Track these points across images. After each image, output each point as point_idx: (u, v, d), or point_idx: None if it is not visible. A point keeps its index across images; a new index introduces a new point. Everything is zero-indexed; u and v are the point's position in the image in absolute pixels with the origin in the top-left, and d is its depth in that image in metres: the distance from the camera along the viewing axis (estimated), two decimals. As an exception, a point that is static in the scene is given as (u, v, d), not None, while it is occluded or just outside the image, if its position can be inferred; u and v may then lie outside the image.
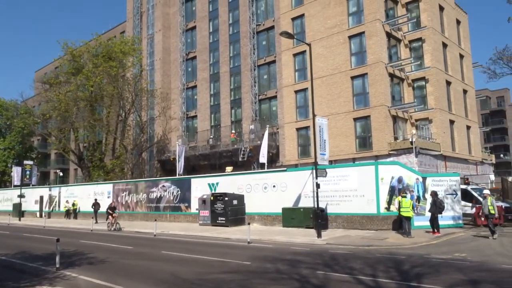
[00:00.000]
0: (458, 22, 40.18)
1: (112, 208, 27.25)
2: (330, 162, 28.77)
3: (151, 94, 45.37)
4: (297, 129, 35.84)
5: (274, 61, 38.69)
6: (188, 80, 46.52)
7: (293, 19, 37.23)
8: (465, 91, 39.24)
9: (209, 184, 28.86)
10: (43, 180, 65.28)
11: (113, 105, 44.20)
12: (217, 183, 28.41)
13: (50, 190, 44.31)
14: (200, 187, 29.28)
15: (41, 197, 44.46)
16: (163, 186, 32.14)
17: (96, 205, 33.48)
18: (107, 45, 44.65)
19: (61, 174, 58.83)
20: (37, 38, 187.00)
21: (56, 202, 42.71)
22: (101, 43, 44.78)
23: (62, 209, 40.96)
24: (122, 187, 35.96)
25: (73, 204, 39.12)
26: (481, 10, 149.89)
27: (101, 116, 46.49)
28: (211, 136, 42.51)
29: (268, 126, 32.96)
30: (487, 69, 20.26)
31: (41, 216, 42.61)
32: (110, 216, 26.67)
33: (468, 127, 38.65)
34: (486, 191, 18.94)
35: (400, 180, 20.99)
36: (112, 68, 41.83)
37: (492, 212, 17.09)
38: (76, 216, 38.74)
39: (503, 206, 22.34)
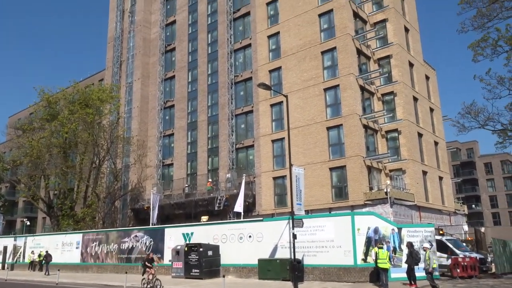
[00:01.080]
0: (427, 77, 42.10)
1: (149, 260, 21.05)
2: (307, 212, 28.66)
3: (127, 141, 44.99)
4: (274, 178, 35.86)
5: (251, 111, 39.28)
6: (165, 128, 46.53)
7: (271, 71, 38.29)
8: (436, 143, 40.45)
9: (183, 234, 28.13)
10: (9, 229, 62.45)
11: (88, 152, 43.50)
12: (191, 233, 27.73)
13: (15, 240, 42.27)
14: (174, 237, 28.49)
15: (5, 248, 42.28)
16: (136, 236, 31.14)
17: (48, 256, 32.96)
18: (84, 92, 44.58)
19: (28, 223, 56.49)
20: (12, 84, 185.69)
21: (20, 253, 40.66)
22: (78, 90, 44.70)
23: (27, 260, 38.94)
24: (92, 237, 34.64)
25: (39, 255, 37.32)
26: (448, 67, 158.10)
27: (74, 163, 45.54)
28: (187, 185, 42.02)
29: (245, 175, 32.90)
30: (457, 122, 21.07)
31: (3, 268, 40.32)
32: (148, 270, 20.64)
33: (441, 178, 39.48)
34: (426, 244, 18.99)
35: (376, 230, 20.96)
36: (89, 115, 41.54)
37: (434, 265, 17.66)
38: (41, 268, 36.86)
39: (477, 258, 22.46)
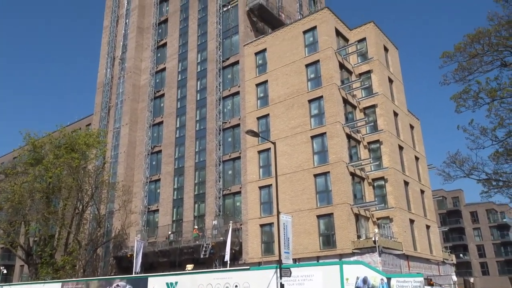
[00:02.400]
0: (411, 127, 43.02)
1: None
2: (294, 260, 28.11)
3: (112, 187, 44.34)
4: (261, 226, 35.37)
5: (239, 157, 39.33)
6: (152, 174, 46.15)
7: (259, 118, 38.77)
8: (422, 191, 40.70)
9: (167, 284, 27.15)
10: (-16, 277, 59.61)
11: (71, 197, 42.64)
12: (176, 282, 26.79)
13: (-11, 289, 40.33)
14: (157, 286, 27.46)
15: (-22, 298, 40.21)
16: (118, 285, 29.94)
17: None
18: (71, 137, 44.33)
19: (5, 271, 54.09)
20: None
21: (-5, 303, 38.69)
22: (65, 135, 44.46)
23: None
24: (72, 286, 33.21)
25: (14, 306, 35.53)
26: (432, 117, 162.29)
27: (56, 209, 44.45)
28: (172, 231, 41.15)
29: (231, 222, 32.41)
30: (442, 171, 21.39)
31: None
32: None
33: (428, 227, 39.40)
34: None
35: (365, 280, 20.53)
36: (74, 159, 41.09)
37: None
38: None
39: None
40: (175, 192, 43.42)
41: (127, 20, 55.34)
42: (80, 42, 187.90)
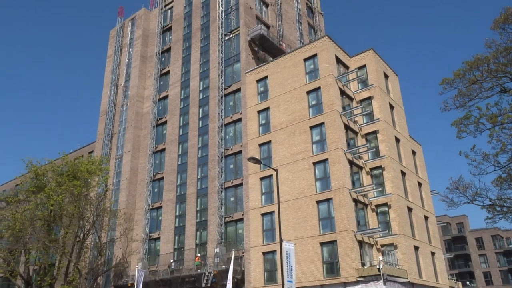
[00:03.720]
0: (413, 152, 43.01)
1: None
2: (298, 289, 27.63)
3: (113, 214, 44.10)
4: (264, 253, 34.93)
5: (241, 184, 39.23)
6: (154, 201, 45.97)
7: (260, 145, 38.88)
8: (426, 217, 40.31)
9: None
10: (-18, 308, 58.62)
11: (72, 225, 42.33)
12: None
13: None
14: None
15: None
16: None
17: None
18: (73, 164, 44.35)
19: (3, 301, 53.25)
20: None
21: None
22: (67, 162, 44.50)
23: None
24: (71, 317, 32.60)
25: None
26: (434, 142, 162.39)
27: (57, 237, 44.07)
28: (174, 259, 40.65)
29: (233, 250, 32.08)
30: (445, 197, 21.29)
31: None
32: None
33: (433, 253, 38.84)
34: None
35: (370, 310, 20.14)
36: (76, 187, 41.01)
37: None
38: None
39: None
40: (177, 220, 43.13)
41: (130, 49, 56.31)
42: (83, 71, 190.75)
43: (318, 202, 33.42)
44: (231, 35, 45.83)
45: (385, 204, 34.71)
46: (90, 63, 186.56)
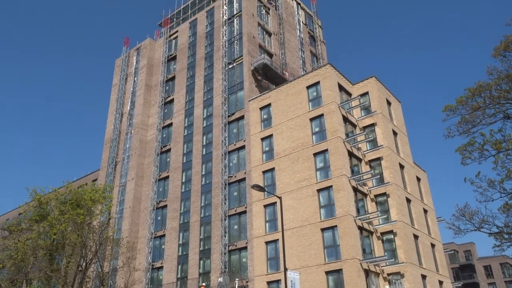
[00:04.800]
0: (418, 179, 42.75)
1: None
2: (303, 320, 27.00)
3: (116, 243, 43.66)
4: (268, 283, 34.31)
5: (245, 212, 38.95)
6: (157, 229, 45.61)
7: (264, 172, 38.81)
8: (433, 245, 39.69)
9: None
10: None
11: (74, 254, 41.88)
12: None
13: None
14: None
15: None
16: None
17: None
18: (77, 192, 44.26)
19: (3, 333, 52.19)
20: (2, 183, 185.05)
21: None
22: (71, 190, 44.42)
23: None
24: None
25: None
26: (439, 169, 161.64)
27: (59, 266, 43.55)
28: (177, 290, 39.98)
29: (237, 279, 31.57)
30: (452, 225, 21.03)
31: None
32: None
33: (441, 282, 38.04)
34: None
35: None
36: (79, 215, 40.77)
37: None
38: None
39: None
40: (180, 248, 42.65)
41: (135, 78, 57.11)
42: (88, 99, 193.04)
43: (322, 230, 33.06)
44: (234, 64, 46.50)
45: (391, 232, 34.26)
46: (95, 92, 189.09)
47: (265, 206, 37.24)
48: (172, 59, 55.71)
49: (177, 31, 56.90)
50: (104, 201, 44.27)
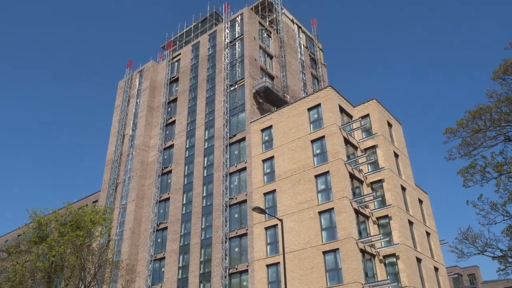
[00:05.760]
0: (420, 201, 42.48)
1: None
2: None
3: (115, 265, 43.16)
4: (269, 307, 33.76)
5: (245, 234, 38.62)
6: (157, 251, 45.14)
7: (265, 194, 38.63)
8: (436, 269, 39.15)
9: None
10: None
11: (73, 277, 41.36)
12: None
13: None
14: None
15: None
16: None
17: None
18: (77, 214, 44.02)
19: None
20: (2, 204, 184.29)
21: None
22: (71, 212, 44.20)
23: None
24: None
25: None
26: (441, 191, 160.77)
27: (57, 289, 42.96)
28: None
29: (238, 303, 31.05)
30: (455, 248, 20.80)
31: None
32: None
33: (445, 307, 37.38)
34: None
35: None
36: (79, 237, 40.45)
37: None
38: None
39: None
40: (180, 271, 42.12)
41: (138, 100, 57.53)
42: (89, 120, 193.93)
43: (324, 253, 32.69)
44: (236, 86, 46.89)
45: (393, 255, 33.85)
46: (97, 113, 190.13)
47: (266, 228, 36.93)
48: (174, 81, 56.23)
49: (179, 54, 57.60)
50: (104, 223, 43.96)
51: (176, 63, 57.51)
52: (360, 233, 33.81)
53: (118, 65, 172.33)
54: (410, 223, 37.38)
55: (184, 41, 60.21)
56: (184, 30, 60.83)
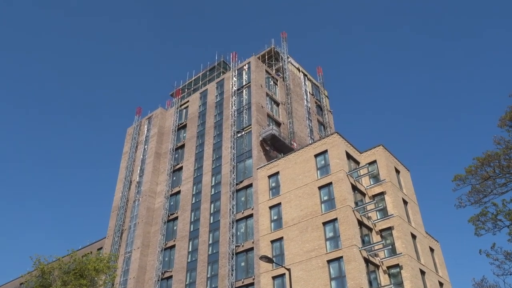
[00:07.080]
0: (431, 249, 41.38)
1: None
2: None
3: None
4: None
5: (252, 284, 37.53)
6: (161, 302, 43.84)
7: (272, 241, 37.92)
8: (451, 322, 37.50)
9: None
10: None
11: (74, 328, 40.04)
12: None
13: None
14: None
15: None
16: None
17: None
18: (81, 261, 43.28)
19: None
20: (4, 251, 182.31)
21: None
22: (75, 260, 43.48)
23: None
24: None
25: None
26: (453, 239, 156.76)
27: None
28: None
29: None
30: (471, 301, 19.95)
31: None
32: None
33: None
34: None
35: None
36: (82, 286, 39.56)
37: None
38: None
39: None
40: (185, 323, 40.70)
41: (146, 146, 58.04)
42: (97, 167, 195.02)
43: (334, 304, 31.54)
44: (243, 132, 47.30)
45: (406, 307, 32.55)
46: (104, 160, 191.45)
47: (274, 277, 35.95)
48: (182, 127, 56.92)
49: (188, 101, 58.68)
50: (108, 271, 43.07)
51: (184, 110, 58.47)
52: (370, 283, 32.75)
53: (127, 112, 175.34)
54: (422, 272, 36.23)
55: (192, 88, 61.49)
56: (193, 78, 62.28)
